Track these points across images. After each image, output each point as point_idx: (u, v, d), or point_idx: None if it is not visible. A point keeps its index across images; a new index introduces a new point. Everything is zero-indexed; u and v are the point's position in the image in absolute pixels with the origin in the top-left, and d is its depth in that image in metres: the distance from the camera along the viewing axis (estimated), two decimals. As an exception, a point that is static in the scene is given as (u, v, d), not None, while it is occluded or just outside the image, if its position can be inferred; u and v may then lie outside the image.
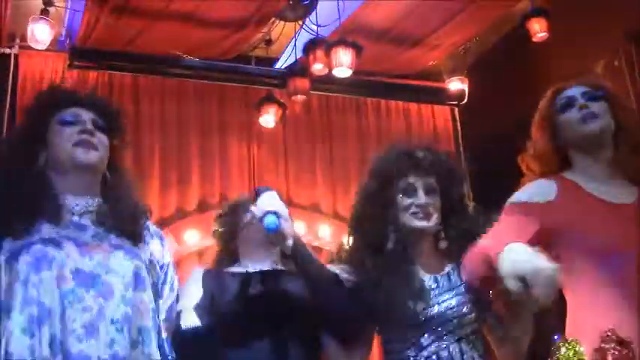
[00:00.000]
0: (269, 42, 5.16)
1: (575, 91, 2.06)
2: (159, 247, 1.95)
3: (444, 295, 1.99)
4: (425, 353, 1.94)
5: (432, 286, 2.00)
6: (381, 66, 5.30)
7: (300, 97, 4.80)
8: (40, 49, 4.55)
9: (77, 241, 1.73)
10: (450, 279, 2.03)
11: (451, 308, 1.97)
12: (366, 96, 5.54)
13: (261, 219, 1.92)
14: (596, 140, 1.99)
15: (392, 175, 2.12)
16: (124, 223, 1.83)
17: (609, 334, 1.68)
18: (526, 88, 5.26)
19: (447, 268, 2.05)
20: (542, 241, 1.80)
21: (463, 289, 1.99)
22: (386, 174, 2.13)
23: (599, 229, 1.87)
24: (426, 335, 1.94)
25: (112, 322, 1.66)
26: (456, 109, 5.69)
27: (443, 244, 2.13)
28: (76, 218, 1.79)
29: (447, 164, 2.18)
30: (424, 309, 1.95)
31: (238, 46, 5.03)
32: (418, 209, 2.04)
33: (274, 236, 1.93)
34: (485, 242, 1.85)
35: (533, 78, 5.20)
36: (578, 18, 4.82)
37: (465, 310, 1.98)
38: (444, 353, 1.93)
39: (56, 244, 1.69)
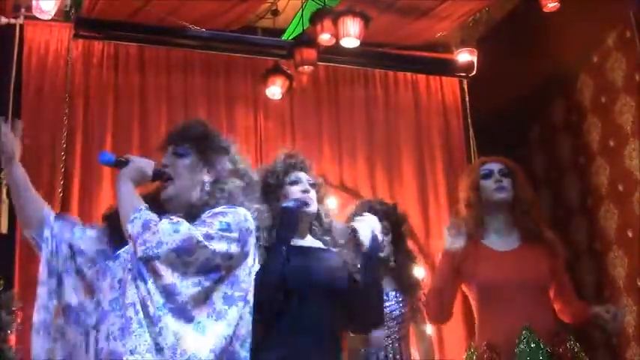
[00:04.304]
0: (276, 12, 5.10)
1: (494, 166, 2.96)
2: None
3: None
4: None
5: None
6: (389, 37, 5.24)
7: (307, 68, 4.76)
8: (45, 19, 4.52)
9: None
10: None
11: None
12: (373, 67, 5.48)
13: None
14: (502, 205, 2.90)
15: None
16: None
17: (486, 344, 2.73)
18: (536, 60, 5.22)
19: None
20: (457, 273, 2.88)
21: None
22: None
23: (484, 270, 2.82)
24: None
25: None
26: (465, 81, 5.63)
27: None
28: None
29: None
30: None
31: (245, 16, 4.98)
32: None
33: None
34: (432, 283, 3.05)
35: (544, 50, 5.14)
36: (590, -12, 4.75)
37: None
38: None
39: None
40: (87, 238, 2.13)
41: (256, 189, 2.25)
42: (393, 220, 3.36)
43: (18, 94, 4.57)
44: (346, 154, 5.21)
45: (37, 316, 2.02)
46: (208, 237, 1.91)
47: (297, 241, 2.44)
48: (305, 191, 2.48)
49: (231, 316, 1.90)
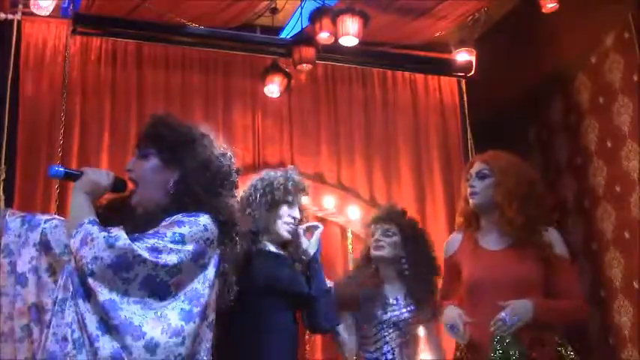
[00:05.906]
0: (274, 10, 5.09)
1: (473, 170, 2.93)
2: None
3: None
4: None
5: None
6: (387, 36, 5.23)
7: (305, 66, 4.75)
8: (43, 15, 4.50)
9: None
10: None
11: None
12: (372, 66, 5.47)
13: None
14: (477, 208, 2.90)
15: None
16: None
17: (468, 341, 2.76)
18: (535, 60, 5.23)
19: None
20: (458, 274, 2.92)
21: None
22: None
23: (473, 266, 2.85)
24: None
25: None
26: (463, 81, 5.63)
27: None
28: None
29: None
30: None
31: (243, 14, 4.97)
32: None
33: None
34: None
35: (543, 50, 5.15)
36: (589, -11, 4.75)
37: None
38: None
39: None
40: (57, 232, 2.03)
41: (232, 179, 2.13)
42: (400, 223, 3.34)
43: (15, 90, 4.55)
44: (344, 153, 5.20)
45: (2, 327, 1.96)
46: (154, 250, 1.82)
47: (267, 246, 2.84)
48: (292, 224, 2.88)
49: (187, 333, 1.80)
